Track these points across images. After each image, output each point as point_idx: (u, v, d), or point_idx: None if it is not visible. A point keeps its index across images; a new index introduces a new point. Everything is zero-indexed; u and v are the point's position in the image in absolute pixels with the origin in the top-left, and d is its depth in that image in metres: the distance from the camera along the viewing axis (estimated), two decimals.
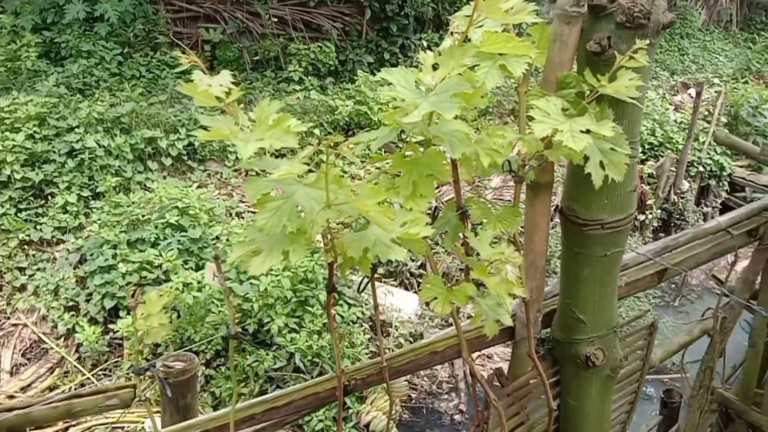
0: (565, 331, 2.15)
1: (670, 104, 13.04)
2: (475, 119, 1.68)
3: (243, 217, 8.09)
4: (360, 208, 1.23)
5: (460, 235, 1.72)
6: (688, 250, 2.58)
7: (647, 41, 1.59)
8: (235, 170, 8.84)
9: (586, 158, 1.65)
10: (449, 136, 1.35)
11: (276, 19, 10.54)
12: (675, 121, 11.95)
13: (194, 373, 2.19)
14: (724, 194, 11.94)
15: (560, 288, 2.13)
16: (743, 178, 11.89)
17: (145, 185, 7.98)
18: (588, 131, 1.58)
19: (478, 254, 1.62)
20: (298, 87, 10.20)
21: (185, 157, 8.60)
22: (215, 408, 6.52)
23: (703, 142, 11.63)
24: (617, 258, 2.01)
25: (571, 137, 1.51)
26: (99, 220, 7.33)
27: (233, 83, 1.30)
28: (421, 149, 1.48)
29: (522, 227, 1.93)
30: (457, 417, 7.39)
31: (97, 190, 7.71)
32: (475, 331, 2.05)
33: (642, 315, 2.65)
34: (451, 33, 1.38)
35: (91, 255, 7.09)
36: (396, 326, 7.79)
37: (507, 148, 1.58)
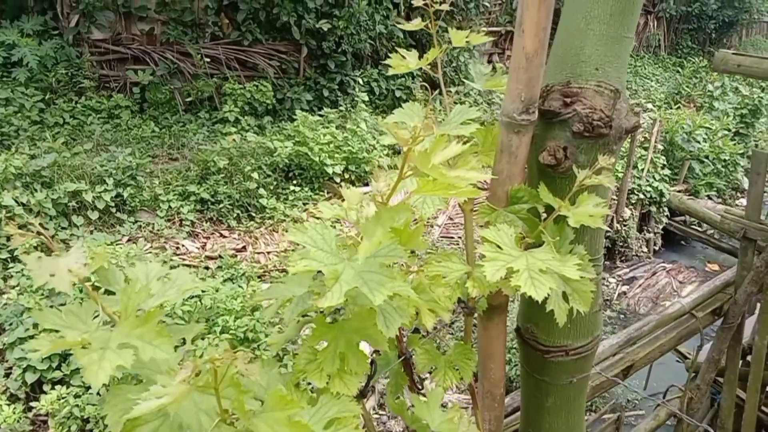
0: None
1: None
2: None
3: None
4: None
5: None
6: (653, 340, 2.36)
7: (611, 159, 1.35)
8: (168, 220, 8.37)
9: None
10: (383, 305, 1.06)
11: (209, 59, 10.18)
12: None
13: None
14: (665, 219, 12.12)
15: (521, 416, 1.86)
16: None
17: (68, 243, 7.43)
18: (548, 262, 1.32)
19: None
20: (233, 129, 9.82)
21: (113, 209, 8.07)
22: None
23: (642, 170, 11.79)
24: (584, 384, 1.76)
25: (530, 280, 1.25)
26: (18, 285, 6.75)
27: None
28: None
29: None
30: None
31: (16, 252, 7.12)
32: None
33: (607, 410, 2.43)
34: (377, 193, 1.09)
35: (10, 324, 6.52)
36: None
37: (455, 291, 1.30)
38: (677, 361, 3.91)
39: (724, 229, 2.90)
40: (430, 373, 1.46)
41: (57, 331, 0.96)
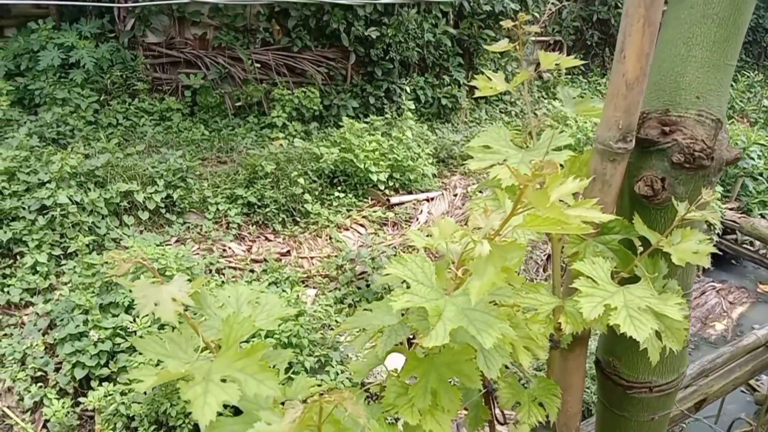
0: None
1: None
2: None
3: (223, 274, 7.70)
4: None
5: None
6: (727, 373, 2.27)
7: (711, 190, 1.29)
8: (216, 222, 8.47)
9: None
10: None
11: (259, 65, 10.29)
12: None
13: None
14: (716, 237, 11.75)
15: None
16: (734, 221, 11.73)
17: (119, 242, 7.57)
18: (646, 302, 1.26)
19: None
20: (281, 134, 9.90)
21: (163, 210, 8.21)
22: None
23: None
24: (664, 421, 1.69)
25: (629, 318, 1.19)
26: (70, 282, 6.92)
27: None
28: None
29: None
30: None
31: (69, 249, 7.29)
32: None
33: None
34: (488, 230, 1.05)
35: (61, 320, 6.68)
36: None
37: (548, 327, 1.26)
38: (742, 391, 3.76)
39: None
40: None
41: (159, 361, 0.95)
